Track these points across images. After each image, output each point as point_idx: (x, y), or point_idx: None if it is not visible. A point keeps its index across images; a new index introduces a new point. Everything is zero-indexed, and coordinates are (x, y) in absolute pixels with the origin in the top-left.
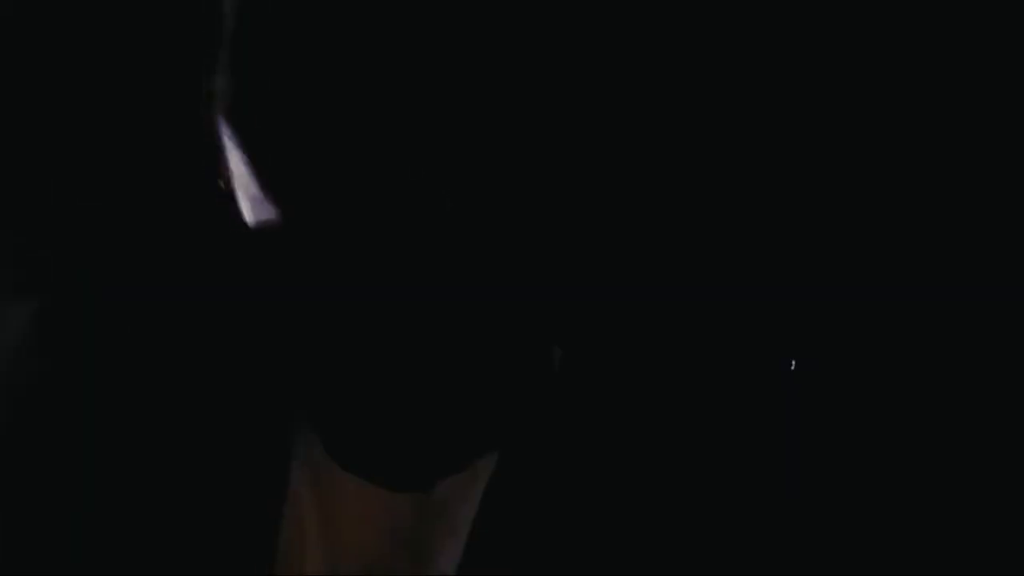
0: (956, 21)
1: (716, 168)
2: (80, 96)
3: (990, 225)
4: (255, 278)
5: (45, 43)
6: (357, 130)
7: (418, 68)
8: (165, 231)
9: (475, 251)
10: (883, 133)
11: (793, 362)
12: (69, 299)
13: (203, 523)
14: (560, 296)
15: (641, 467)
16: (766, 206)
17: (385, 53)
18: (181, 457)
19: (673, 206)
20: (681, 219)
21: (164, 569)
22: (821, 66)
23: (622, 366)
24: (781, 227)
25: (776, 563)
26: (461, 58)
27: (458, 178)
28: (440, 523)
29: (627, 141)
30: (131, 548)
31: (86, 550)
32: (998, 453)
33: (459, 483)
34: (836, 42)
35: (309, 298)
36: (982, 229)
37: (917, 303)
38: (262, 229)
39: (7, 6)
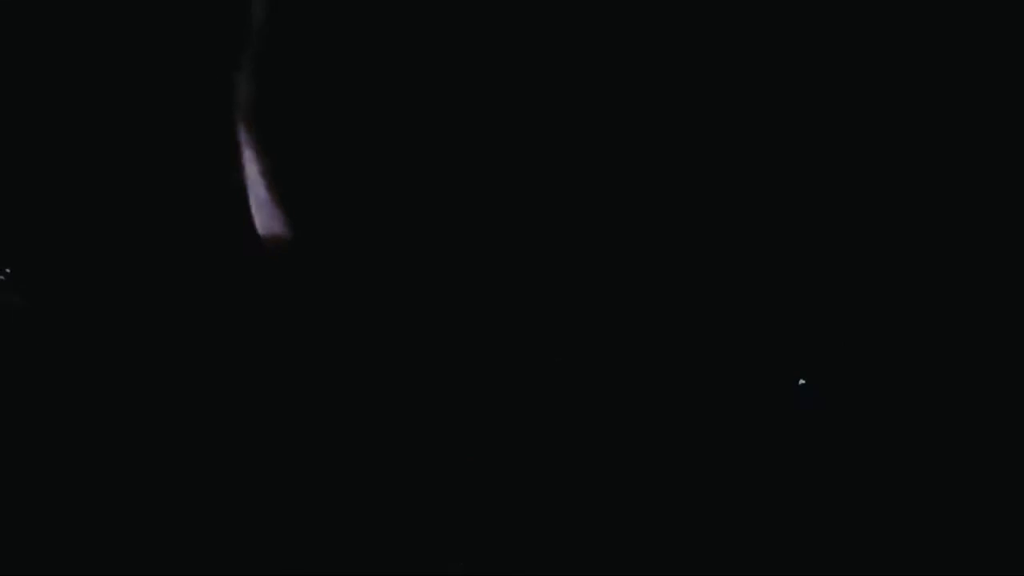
0: (956, 21)
1: (716, 169)
2: (93, 97)
3: (990, 225)
4: (262, 282)
5: (58, 43)
6: (372, 138)
7: (433, 77)
8: (168, 232)
9: (476, 253)
10: (883, 134)
11: (793, 363)
12: (67, 298)
13: (204, 523)
14: (561, 299)
15: (641, 467)
16: (766, 207)
17: (402, 62)
18: (182, 457)
19: (673, 207)
20: (682, 220)
21: (165, 569)
22: (821, 67)
23: (622, 367)
24: (781, 229)
25: (776, 563)
26: (473, 64)
27: (463, 182)
28: None
29: (628, 142)
30: (132, 547)
31: (86, 549)
32: (998, 453)
33: None
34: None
35: (314, 302)
36: (982, 229)
37: (916, 304)
38: (272, 232)
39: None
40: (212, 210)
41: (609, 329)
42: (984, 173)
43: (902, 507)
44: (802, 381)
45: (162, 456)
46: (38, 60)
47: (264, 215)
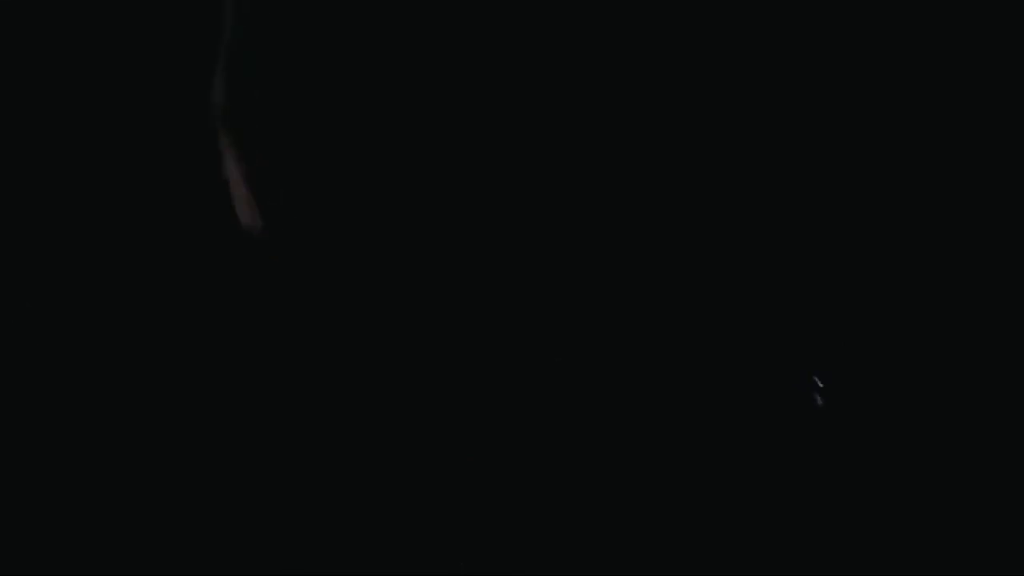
0: (956, 21)
1: (717, 169)
2: (79, 102)
3: (990, 225)
4: (243, 271)
5: (43, 53)
6: (350, 138)
7: (411, 79)
8: (155, 227)
9: (474, 254)
10: (884, 134)
11: (794, 362)
12: (67, 298)
13: (202, 521)
14: (560, 299)
15: (641, 467)
16: (767, 207)
17: (377, 64)
18: (180, 456)
19: (674, 207)
20: (682, 220)
21: (164, 569)
22: (820, 66)
23: (622, 367)
24: (782, 228)
25: (777, 563)
26: (457, 68)
27: (456, 184)
28: None
29: (628, 143)
30: (130, 547)
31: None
32: (998, 453)
33: None
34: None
35: (292, 292)
36: (982, 229)
37: (916, 303)
38: (251, 225)
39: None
40: (196, 206)
41: (609, 329)
42: (984, 173)
43: (904, 506)
44: (805, 379)
45: (152, 450)
46: (22, 71)
47: (243, 210)
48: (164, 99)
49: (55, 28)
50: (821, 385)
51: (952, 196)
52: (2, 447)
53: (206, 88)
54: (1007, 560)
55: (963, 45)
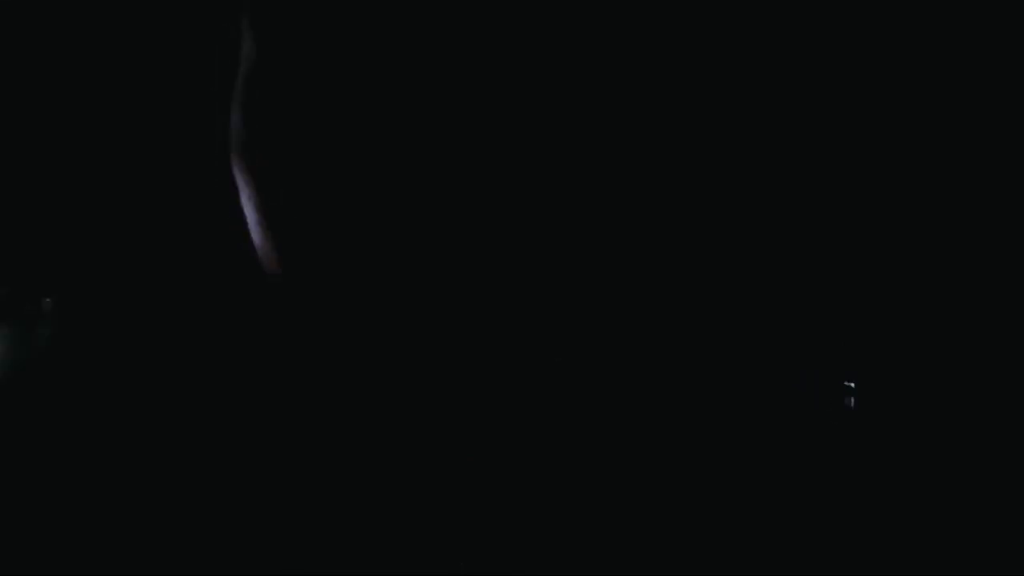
0: (956, 21)
1: (716, 169)
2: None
3: (990, 225)
4: (257, 293)
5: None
6: (368, 168)
7: (430, 109)
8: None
9: (475, 255)
10: (884, 135)
11: (794, 362)
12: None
13: (202, 521)
14: (559, 300)
15: (641, 467)
16: (767, 208)
17: (396, 95)
18: (180, 457)
19: (674, 208)
20: (683, 220)
21: (164, 569)
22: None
23: (622, 368)
24: (783, 229)
25: (777, 563)
26: (475, 99)
27: (458, 188)
28: None
29: (629, 143)
30: (131, 548)
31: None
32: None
33: None
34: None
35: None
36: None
37: (918, 304)
38: (264, 249)
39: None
40: (213, 230)
41: (609, 329)
42: (984, 173)
43: (906, 508)
44: (805, 380)
45: (168, 465)
46: (41, 107)
47: (257, 235)
48: (181, 129)
49: (66, 65)
50: (821, 386)
51: (953, 196)
52: (3, 449)
53: (223, 118)
54: (1007, 560)
55: (963, 45)
